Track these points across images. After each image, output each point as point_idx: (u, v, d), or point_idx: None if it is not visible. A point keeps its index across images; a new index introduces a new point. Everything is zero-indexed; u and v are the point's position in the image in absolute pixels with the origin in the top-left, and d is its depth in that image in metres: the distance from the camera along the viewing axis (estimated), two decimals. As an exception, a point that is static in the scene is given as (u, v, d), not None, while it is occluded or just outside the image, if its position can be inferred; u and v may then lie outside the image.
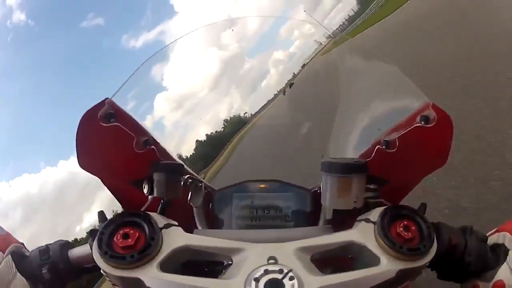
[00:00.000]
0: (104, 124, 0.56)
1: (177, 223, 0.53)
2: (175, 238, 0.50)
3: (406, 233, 0.49)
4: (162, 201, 0.65)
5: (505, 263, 0.50)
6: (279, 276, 0.42)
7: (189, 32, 0.81)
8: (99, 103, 0.56)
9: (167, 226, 0.52)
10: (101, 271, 0.47)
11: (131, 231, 0.48)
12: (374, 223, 0.51)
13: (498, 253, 0.52)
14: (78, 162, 0.58)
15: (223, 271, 0.51)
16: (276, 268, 0.43)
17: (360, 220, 0.54)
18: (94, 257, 0.47)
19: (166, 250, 0.48)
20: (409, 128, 0.56)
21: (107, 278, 0.49)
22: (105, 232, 0.48)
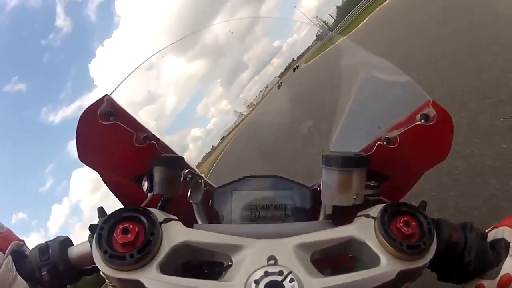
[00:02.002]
0: (103, 122, 0.56)
1: (176, 218, 0.53)
2: (175, 232, 0.50)
3: (406, 229, 0.49)
4: (162, 198, 0.65)
5: (508, 257, 0.50)
6: (279, 278, 0.42)
7: (186, 36, 0.80)
8: (98, 100, 0.56)
9: (167, 220, 0.51)
10: (101, 273, 0.47)
11: (131, 226, 0.48)
12: (374, 218, 0.51)
13: (498, 249, 0.53)
14: (79, 157, 0.58)
15: (223, 272, 0.50)
16: (276, 269, 0.43)
17: (360, 216, 0.54)
18: (94, 258, 0.47)
19: (166, 246, 0.48)
20: (410, 126, 0.56)
21: (107, 280, 0.49)
22: (105, 227, 0.48)
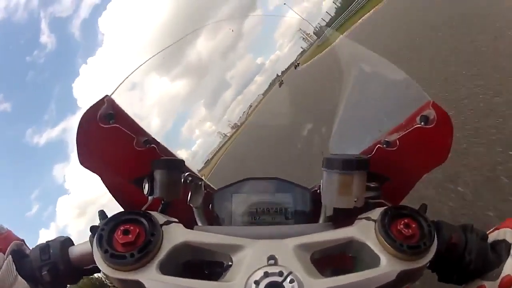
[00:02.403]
0: (103, 126, 0.56)
1: (177, 220, 0.53)
2: (175, 234, 0.50)
3: (406, 230, 0.49)
4: (162, 202, 0.65)
5: (509, 258, 0.50)
6: (279, 279, 0.42)
7: (189, 33, 0.80)
8: (98, 101, 0.56)
9: (168, 222, 0.52)
10: (101, 273, 0.47)
11: (132, 228, 0.48)
12: (374, 221, 0.51)
13: (498, 251, 0.52)
14: (79, 160, 0.58)
15: (223, 273, 0.50)
16: (276, 270, 0.43)
17: (361, 218, 0.54)
18: (94, 257, 0.47)
19: (166, 247, 0.48)
20: (410, 129, 0.56)
21: (107, 281, 0.49)
22: (106, 228, 0.48)
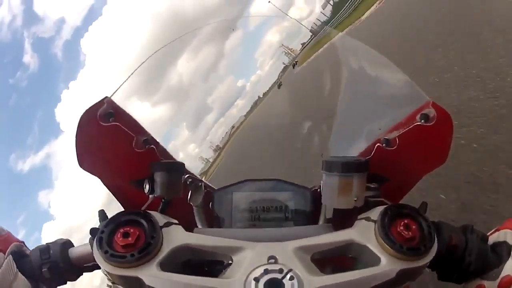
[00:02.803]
0: (103, 124, 0.56)
1: (177, 222, 0.53)
2: (175, 236, 0.50)
3: (406, 232, 0.49)
4: (162, 201, 0.65)
5: (510, 259, 0.50)
6: (279, 276, 0.42)
7: (189, 32, 0.80)
8: (98, 102, 0.56)
9: (167, 224, 0.52)
10: (102, 270, 0.48)
11: (131, 230, 0.48)
12: (374, 221, 0.51)
13: (499, 252, 0.52)
14: (78, 162, 0.58)
15: (223, 270, 0.51)
16: (276, 267, 0.43)
17: (361, 219, 0.54)
18: (94, 256, 0.47)
19: (166, 249, 0.48)
20: (409, 127, 0.56)
21: (107, 277, 0.49)
22: (106, 230, 0.48)
